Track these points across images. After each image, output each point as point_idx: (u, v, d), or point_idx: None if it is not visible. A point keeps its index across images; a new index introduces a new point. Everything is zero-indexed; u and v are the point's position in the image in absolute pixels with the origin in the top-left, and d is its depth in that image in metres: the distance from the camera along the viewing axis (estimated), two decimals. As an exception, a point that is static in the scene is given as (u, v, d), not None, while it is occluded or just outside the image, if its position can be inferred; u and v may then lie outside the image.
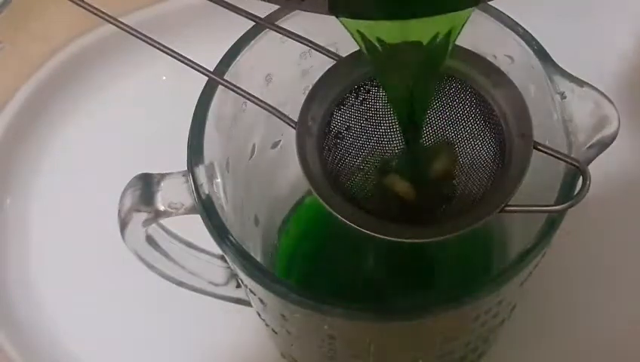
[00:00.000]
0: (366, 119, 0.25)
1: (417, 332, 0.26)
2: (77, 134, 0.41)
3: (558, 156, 0.23)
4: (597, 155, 0.24)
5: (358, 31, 0.21)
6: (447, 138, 0.25)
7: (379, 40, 0.21)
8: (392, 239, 0.22)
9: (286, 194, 0.35)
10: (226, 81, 0.25)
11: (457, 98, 0.25)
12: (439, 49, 0.21)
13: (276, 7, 0.26)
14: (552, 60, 0.26)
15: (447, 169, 0.25)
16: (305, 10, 0.17)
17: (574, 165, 0.23)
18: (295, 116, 0.24)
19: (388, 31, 0.21)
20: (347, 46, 0.23)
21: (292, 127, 0.24)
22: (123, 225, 0.26)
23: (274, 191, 0.34)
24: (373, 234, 0.22)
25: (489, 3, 0.22)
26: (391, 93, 0.24)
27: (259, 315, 0.29)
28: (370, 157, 0.25)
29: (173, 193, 0.26)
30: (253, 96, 0.24)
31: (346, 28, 0.21)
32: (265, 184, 0.32)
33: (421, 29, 0.21)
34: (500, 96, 0.24)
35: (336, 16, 0.19)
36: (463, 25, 0.21)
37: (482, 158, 0.24)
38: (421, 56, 0.21)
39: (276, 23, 0.26)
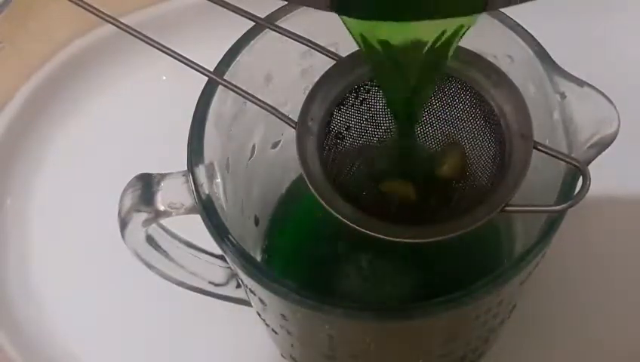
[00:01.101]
0: (366, 119, 0.25)
1: (417, 332, 0.26)
2: (77, 134, 0.41)
3: (558, 156, 0.23)
4: (597, 155, 0.24)
5: (358, 30, 0.21)
6: (447, 138, 0.25)
7: (379, 41, 0.21)
8: (392, 239, 0.22)
9: (286, 194, 0.35)
10: (226, 81, 0.25)
11: (457, 98, 0.25)
12: (441, 51, 0.21)
13: (276, 7, 0.26)
14: (552, 60, 0.26)
15: (448, 169, 0.25)
16: (305, 5, 0.17)
17: (574, 165, 0.23)
18: (295, 116, 0.24)
19: (389, 31, 0.20)
20: (347, 46, 0.23)
21: (292, 127, 0.24)
22: (123, 225, 0.26)
23: (274, 191, 0.34)
24: (373, 234, 0.22)
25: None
26: (388, 93, 0.24)
27: (259, 315, 0.30)
28: (371, 157, 0.25)
29: (173, 193, 0.26)
30: (253, 96, 0.24)
31: (346, 26, 0.21)
32: (265, 184, 0.32)
33: (423, 31, 0.21)
34: (499, 96, 0.24)
35: (338, 14, 0.19)
36: (468, 28, 0.21)
37: (482, 158, 0.24)
38: (422, 57, 0.21)
39: (276, 22, 0.26)
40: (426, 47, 0.21)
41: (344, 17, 0.20)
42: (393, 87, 0.24)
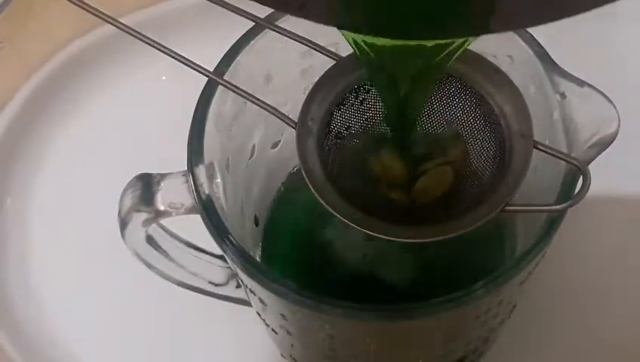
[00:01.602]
0: (366, 119, 0.25)
1: (417, 332, 0.26)
2: (77, 134, 0.41)
3: (559, 156, 0.23)
4: (597, 155, 0.24)
5: (356, 42, 0.21)
6: (447, 137, 0.25)
7: (378, 51, 0.21)
8: (392, 239, 0.22)
9: (285, 194, 0.35)
10: (226, 81, 0.25)
11: (457, 98, 0.25)
12: (441, 62, 0.21)
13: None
14: (552, 60, 0.26)
15: (448, 168, 0.25)
16: (303, 18, 0.17)
17: (574, 165, 0.23)
18: (295, 116, 0.24)
19: (385, 42, 0.20)
20: (347, 46, 0.23)
21: (292, 127, 0.24)
22: (123, 225, 0.26)
23: (274, 191, 0.34)
24: (373, 234, 0.22)
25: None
26: (385, 99, 0.24)
27: (259, 315, 0.30)
28: (371, 157, 0.25)
29: (173, 193, 0.26)
30: (253, 96, 0.24)
31: (346, 38, 0.21)
32: (265, 184, 0.32)
33: (424, 46, 0.20)
34: (499, 96, 0.24)
35: (337, 28, 0.19)
36: (468, 44, 0.21)
37: (482, 158, 0.24)
38: (420, 66, 0.21)
39: (276, 23, 0.26)
40: (427, 58, 0.21)
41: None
42: (389, 95, 0.23)
